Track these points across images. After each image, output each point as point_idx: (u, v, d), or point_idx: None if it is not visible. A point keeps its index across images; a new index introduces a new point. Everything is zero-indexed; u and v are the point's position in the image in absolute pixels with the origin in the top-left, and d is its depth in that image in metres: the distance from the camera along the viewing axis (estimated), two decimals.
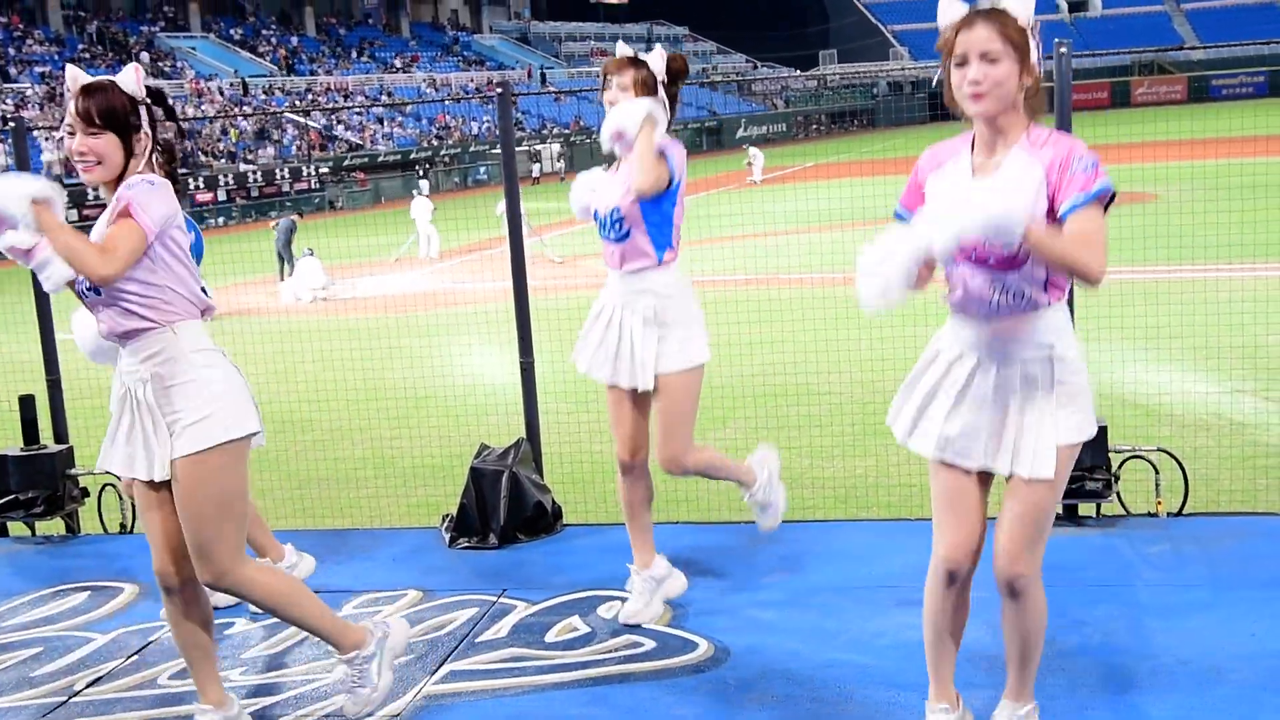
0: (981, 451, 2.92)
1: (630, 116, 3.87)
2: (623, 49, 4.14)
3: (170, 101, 3.41)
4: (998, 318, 2.85)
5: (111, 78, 3.25)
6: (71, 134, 3.19)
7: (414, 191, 25.54)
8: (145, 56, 46.81)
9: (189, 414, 3.17)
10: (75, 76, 3.24)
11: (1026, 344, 2.85)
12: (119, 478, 4.34)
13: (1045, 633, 3.14)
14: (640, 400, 4.14)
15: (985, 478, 3.01)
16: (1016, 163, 2.77)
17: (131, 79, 3.25)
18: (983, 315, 2.87)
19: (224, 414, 3.19)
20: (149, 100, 3.28)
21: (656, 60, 4.04)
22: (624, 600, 4.44)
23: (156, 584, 3.42)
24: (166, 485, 3.27)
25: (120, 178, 3.23)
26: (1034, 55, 2.78)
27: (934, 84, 2.93)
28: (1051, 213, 2.73)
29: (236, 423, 3.21)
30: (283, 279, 19.23)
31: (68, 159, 4.18)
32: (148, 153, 3.27)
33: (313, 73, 51.58)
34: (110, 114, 3.18)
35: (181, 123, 3.46)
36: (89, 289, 3.23)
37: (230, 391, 3.23)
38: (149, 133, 3.27)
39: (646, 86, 3.97)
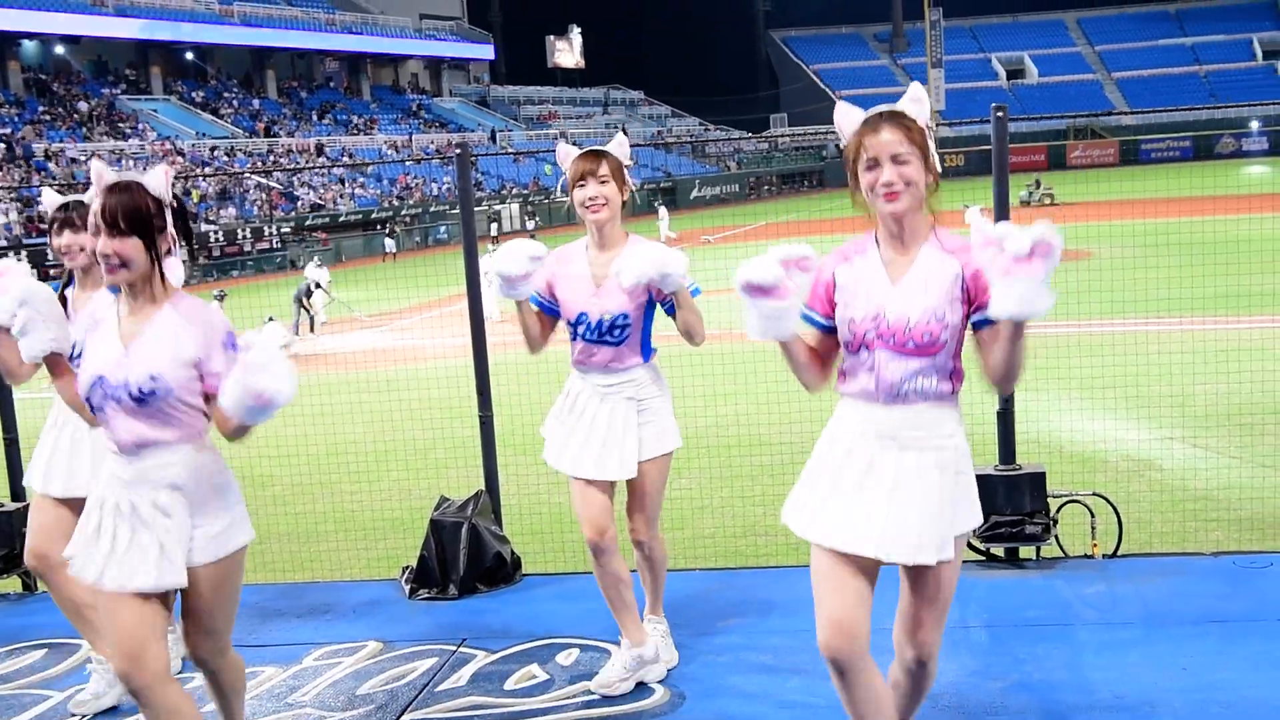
0: (876, 541, 2.86)
1: (679, 267, 3.84)
2: (566, 151, 4.04)
3: (189, 215, 3.33)
4: (902, 406, 2.88)
5: (138, 178, 3.13)
6: (95, 234, 3.08)
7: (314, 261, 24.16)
8: (84, 108, 46.72)
9: (217, 523, 3.18)
10: (100, 173, 3.11)
11: (930, 434, 2.88)
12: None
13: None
14: (609, 483, 4.13)
15: (872, 568, 2.94)
16: (931, 260, 2.88)
17: (160, 180, 3.14)
18: (888, 403, 2.89)
19: (242, 520, 3.25)
20: (174, 203, 3.16)
21: (622, 147, 4.04)
22: (582, 649, 4.54)
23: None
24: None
25: (148, 278, 3.14)
26: (933, 154, 2.89)
27: (839, 149, 3.02)
28: (969, 308, 2.85)
29: (247, 527, 3.29)
30: (297, 331, 19.87)
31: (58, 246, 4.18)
32: (174, 254, 3.18)
33: (274, 134, 51.68)
34: (135, 216, 3.06)
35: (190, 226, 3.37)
36: (132, 396, 3.08)
37: (240, 499, 3.27)
38: (174, 235, 3.15)
39: (620, 173, 3.98)
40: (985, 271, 2.69)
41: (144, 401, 3.09)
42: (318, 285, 21.00)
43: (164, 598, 3.18)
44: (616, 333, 3.98)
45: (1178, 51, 76.76)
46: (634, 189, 4.10)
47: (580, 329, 4.02)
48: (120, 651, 3.11)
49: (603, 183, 3.94)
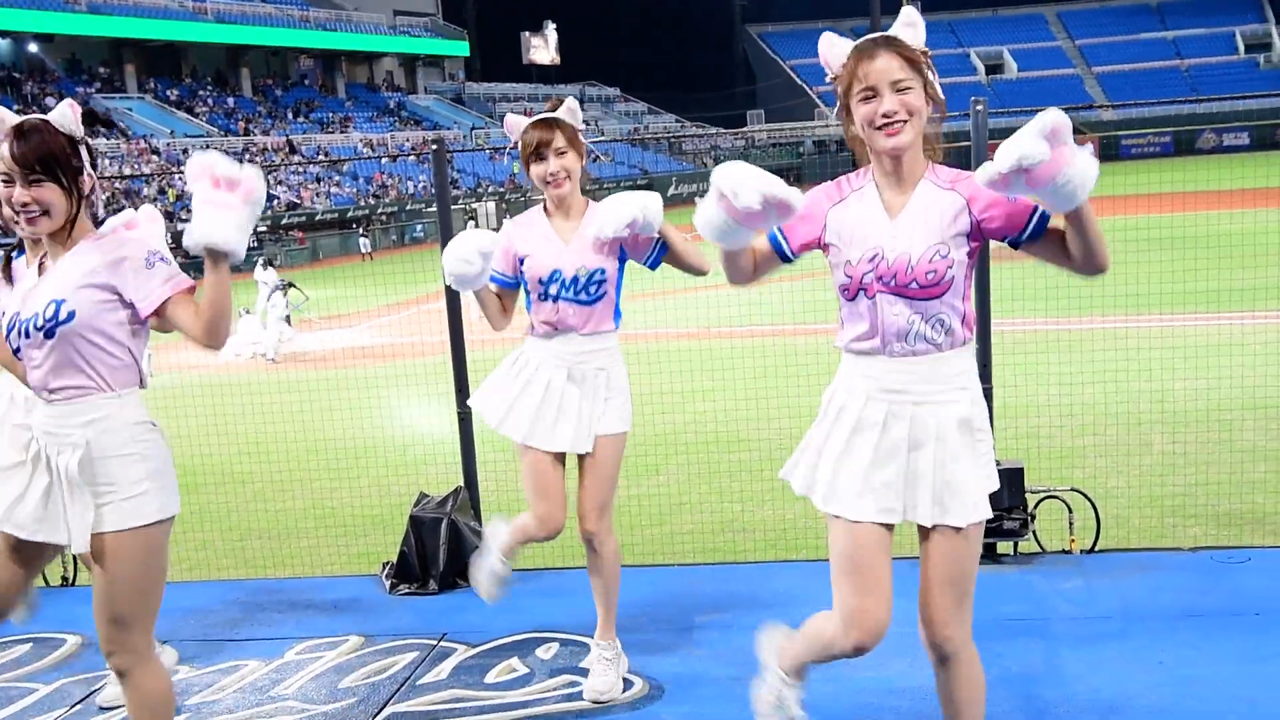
0: (900, 506, 2.69)
1: (657, 204, 3.70)
2: (516, 121, 3.87)
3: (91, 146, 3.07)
4: (910, 358, 2.67)
5: (44, 117, 2.94)
6: (9, 182, 2.89)
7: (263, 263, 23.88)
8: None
9: (123, 489, 2.94)
10: (3, 118, 2.94)
11: (943, 387, 2.68)
12: None
13: (985, 704, 2.88)
14: (562, 468, 4.00)
15: (888, 537, 2.77)
16: (930, 194, 2.67)
17: (68, 116, 2.93)
18: (895, 356, 2.68)
19: (158, 492, 2.99)
20: (87, 139, 2.98)
21: (574, 114, 3.86)
22: (562, 643, 4.55)
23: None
24: None
25: (70, 224, 2.95)
26: (934, 81, 2.64)
27: (836, 116, 2.78)
28: (978, 242, 2.67)
29: (168, 503, 3.03)
30: (290, 322, 19.48)
31: None
32: (94, 194, 2.98)
33: (248, 133, 51.40)
34: (50, 159, 2.87)
35: (107, 177, 3.30)
36: (39, 328, 2.89)
37: (165, 470, 3.03)
38: (92, 174, 2.96)
39: (576, 141, 3.83)
40: (1026, 191, 2.45)
41: (52, 333, 2.90)
42: (280, 286, 20.76)
43: (38, 552, 3.10)
44: (593, 289, 3.81)
45: (1159, 45, 77.19)
46: (590, 150, 3.98)
47: (554, 288, 3.82)
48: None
49: (561, 154, 3.78)
